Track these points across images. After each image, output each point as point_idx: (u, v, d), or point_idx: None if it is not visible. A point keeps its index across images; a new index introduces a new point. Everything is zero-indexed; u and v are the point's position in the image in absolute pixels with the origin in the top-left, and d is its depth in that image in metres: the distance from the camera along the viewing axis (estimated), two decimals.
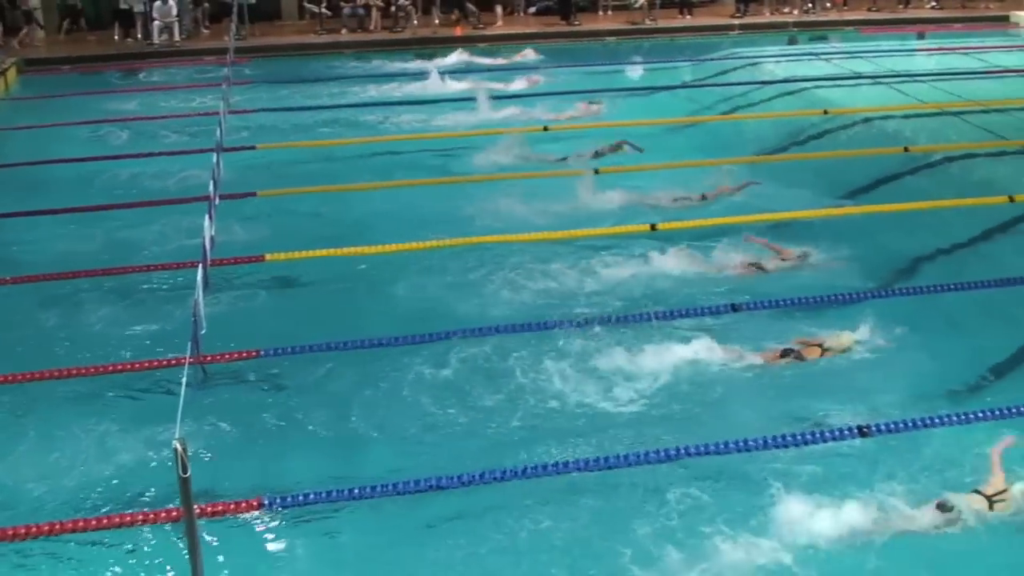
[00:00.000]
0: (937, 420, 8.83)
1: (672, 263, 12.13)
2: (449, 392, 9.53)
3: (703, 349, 9.99)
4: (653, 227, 13.26)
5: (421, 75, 22.81)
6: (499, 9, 27.64)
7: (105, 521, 7.69)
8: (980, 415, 8.87)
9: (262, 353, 10.10)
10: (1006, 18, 29.00)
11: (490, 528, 7.67)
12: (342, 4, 27.21)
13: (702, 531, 7.45)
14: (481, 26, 27.12)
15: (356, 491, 7.97)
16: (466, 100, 20.20)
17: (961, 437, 8.60)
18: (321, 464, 8.52)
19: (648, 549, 7.30)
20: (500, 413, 9.20)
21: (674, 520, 7.63)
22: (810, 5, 28.55)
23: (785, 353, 9.99)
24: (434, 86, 21.79)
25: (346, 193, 14.97)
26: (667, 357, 9.90)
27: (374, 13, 27.05)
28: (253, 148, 17.13)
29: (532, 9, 28.99)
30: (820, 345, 10.06)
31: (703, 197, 14.34)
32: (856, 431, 8.71)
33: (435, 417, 9.16)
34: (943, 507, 7.49)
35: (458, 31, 26.86)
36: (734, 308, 11.02)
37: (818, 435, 8.63)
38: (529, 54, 24.60)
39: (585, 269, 12.13)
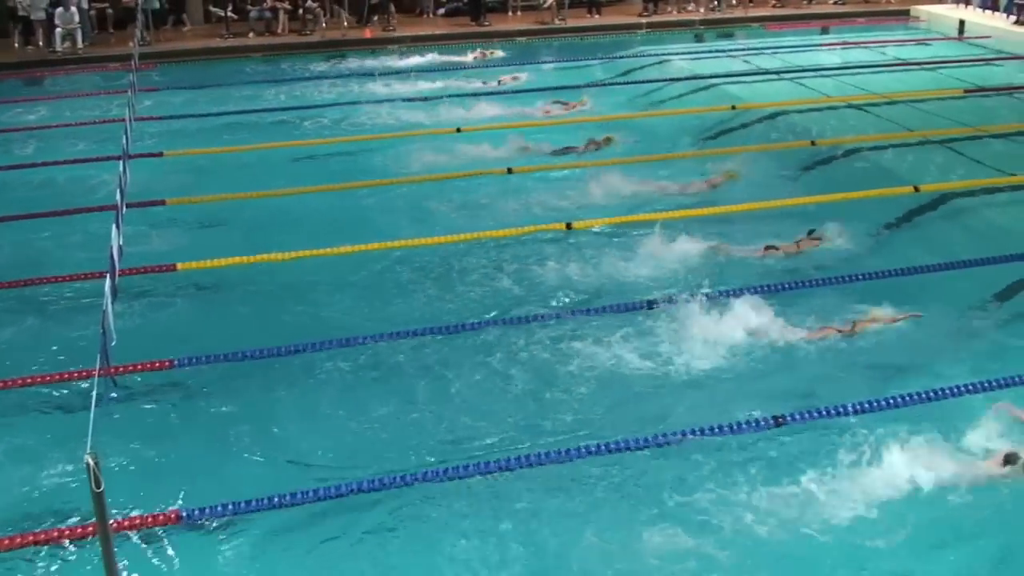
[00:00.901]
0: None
1: (584, 265, 12.29)
2: (369, 397, 9.50)
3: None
4: (568, 225, 13.34)
5: (332, 78, 22.70)
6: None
7: (18, 540, 7.50)
8: None
9: (176, 363, 9.94)
10: (907, 12, 29.64)
11: (415, 530, 7.68)
12: (248, 7, 26.90)
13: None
14: (391, 28, 27.01)
15: (276, 500, 7.88)
16: (381, 102, 20.11)
17: None
18: (239, 474, 8.42)
19: None
20: (424, 415, 9.22)
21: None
22: (715, 3, 28.92)
23: None
24: (347, 89, 21.65)
25: (258, 199, 14.74)
26: None
27: (281, 16, 26.79)
28: (161, 155, 16.84)
29: (441, 11, 28.95)
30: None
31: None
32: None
33: (355, 422, 9.12)
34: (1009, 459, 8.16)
35: (368, 33, 26.72)
36: (649, 304, 11.12)
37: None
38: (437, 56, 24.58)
39: (497, 269, 12.22)
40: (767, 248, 12.47)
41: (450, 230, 13.21)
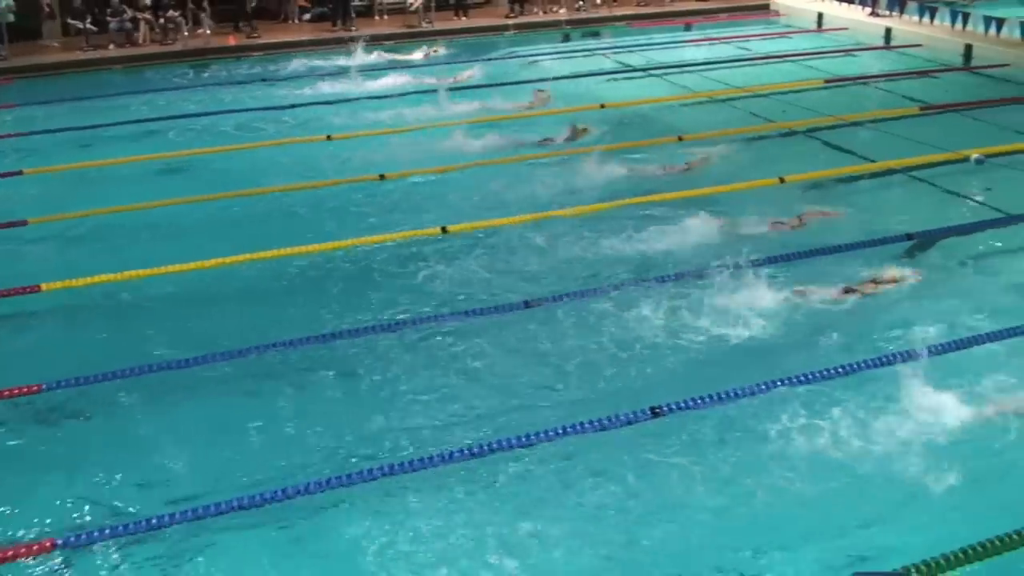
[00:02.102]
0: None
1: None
2: (245, 412, 9.36)
3: None
4: (444, 229, 13.35)
5: (195, 88, 22.29)
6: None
7: None
8: None
9: (44, 387, 9.63)
10: (767, 7, 30.36)
11: (300, 546, 7.59)
12: (108, 19, 26.21)
13: None
14: (256, 35, 26.63)
15: (153, 521, 7.70)
16: (250, 111, 19.83)
17: None
18: (114, 498, 8.20)
19: None
20: (301, 429, 9.11)
21: None
22: (580, 3, 29.20)
23: None
24: (212, 99, 21.28)
25: (125, 214, 14.36)
26: None
27: (142, 26, 26.17)
28: (20, 173, 16.33)
29: (307, 16, 28.62)
30: None
31: None
32: None
33: (230, 439, 8.96)
34: None
35: (232, 40, 26.29)
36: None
37: None
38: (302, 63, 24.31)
39: (365, 274, 12.26)
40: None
41: (321, 238, 13.07)
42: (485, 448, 8.58)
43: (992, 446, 8.67)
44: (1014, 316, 10.69)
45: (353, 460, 8.56)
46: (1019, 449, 8.66)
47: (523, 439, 8.69)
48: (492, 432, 8.90)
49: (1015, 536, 7.26)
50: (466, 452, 8.54)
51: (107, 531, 7.61)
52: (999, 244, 12.84)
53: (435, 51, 24.97)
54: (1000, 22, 22.91)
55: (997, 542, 7.20)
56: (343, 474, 8.26)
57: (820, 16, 28.38)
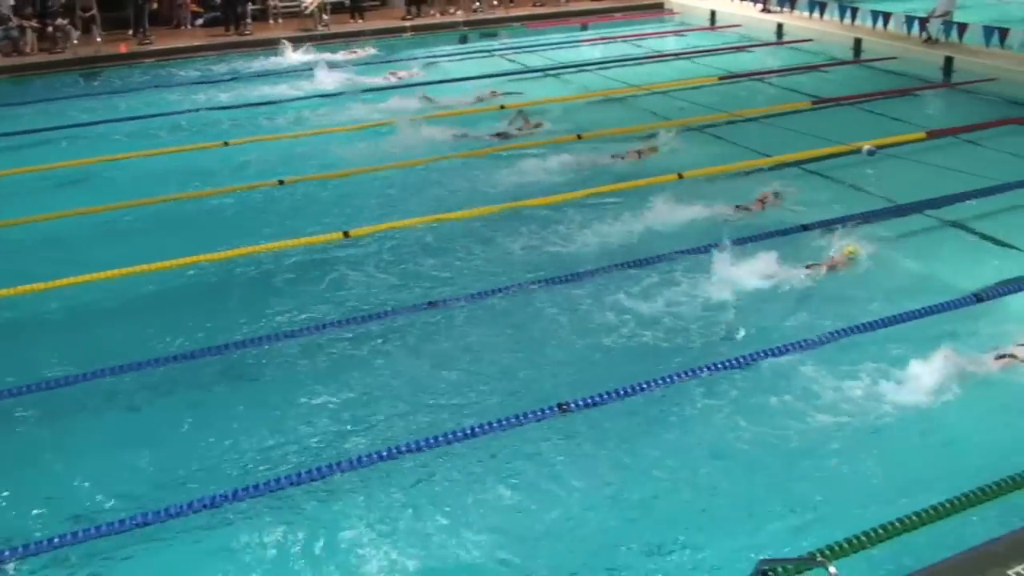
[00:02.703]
0: None
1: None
2: (141, 426, 9.20)
3: None
4: (346, 234, 13.25)
5: (87, 96, 21.79)
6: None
7: None
8: None
9: None
10: (661, 5, 30.73)
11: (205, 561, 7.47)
12: None
13: None
14: (148, 42, 26.12)
15: (55, 540, 7.51)
16: (142, 119, 19.42)
17: None
18: (5, 517, 7.99)
19: None
20: (200, 441, 8.97)
21: None
22: (477, 4, 29.22)
23: None
24: (105, 107, 20.81)
25: (13, 228, 13.85)
26: None
27: (29, 34, 25.49)
28: None
29: (200, 21, 28.18)
30: None
31: None
32: None
33: (128, 454, 8.77)
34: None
35: (123, 48, 25.77)
36: None
37: None
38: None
39: (263, 285, 12.07)
40: None
41: (219, 246, 12.82)
42: (394, 451, 8.54)
43: (889, 430, 8.91)
44: (907, 301, 11.00)
45: (260, 469, 8.46)
46: (918, 432, 8.91)
47: (432, 440, 8.68)
48: (400, 434, 8.88)
49: (917, 516, 7.45)
50: (374, 456, 8.49)
51: (5, 552, 7.40)
52: (889, 234, 13.12)
53: (355, 52, 24.82)
54: (887, 16, 23.50)
55: (898, 524, 7.38)
56: (249, 484, 8.15)
57: (713, 13, 28.82)
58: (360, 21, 28.16)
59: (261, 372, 10.11)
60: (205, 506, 7.89)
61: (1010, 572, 6.22)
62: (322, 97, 20.69)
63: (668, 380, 9.56)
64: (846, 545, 7.10)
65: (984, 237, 13.09)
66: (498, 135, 17.61)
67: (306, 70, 23.06)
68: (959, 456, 8.59)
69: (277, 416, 9.28)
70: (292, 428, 9.09)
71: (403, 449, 8.58)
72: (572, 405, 9.14)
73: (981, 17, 24.45)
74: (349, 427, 9.09)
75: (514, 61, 24.22)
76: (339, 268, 12.32)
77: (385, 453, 8.52)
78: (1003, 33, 21.03)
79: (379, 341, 10.60)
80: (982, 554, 6.78)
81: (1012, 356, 9.84)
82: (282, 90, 21.58)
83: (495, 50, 25.40)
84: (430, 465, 8.47)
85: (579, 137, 17.55)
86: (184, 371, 10.07)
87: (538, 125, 17.84)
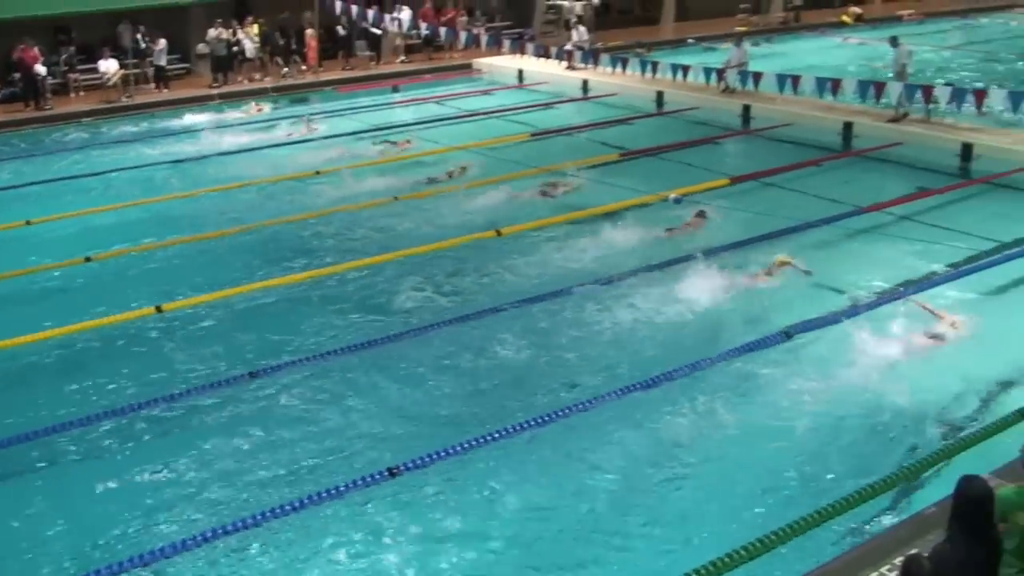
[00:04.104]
0: None
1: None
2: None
3: None
4: (158, 308, 12.90)
5: None
6: None
7: None
8: None
9: None
10: (469, 66, 31.11)
11: None
12: None
13: None
14: None
15: None
16: None
17: None
18: None
19: None
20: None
21: None
22: (286, 69, 29.01)
23: None
24: None
25: None
26: None
27: None
28: None
29: None
30: None
31: None
32: None
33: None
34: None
35: None
36: None
37: None
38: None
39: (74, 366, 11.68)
40: None
41: (23, 330, 12.29)
42: (219, 531, 8.30)
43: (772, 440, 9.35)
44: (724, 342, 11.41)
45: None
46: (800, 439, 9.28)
47: (257, 517, 8.48)
48: (223, 515, 8.66)
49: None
50: (198, 538, 8.22)
51: None
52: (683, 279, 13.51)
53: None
54: (686, 69, 24.37)
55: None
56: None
57: (520, 72, 29.37)
58: (165, 90, 27.61)
59: (72, 455, 9.77)
60: None
61: (914, 549, 6.51)
62: (121, 171, 20.06)
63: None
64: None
65: (790, 275, 13.63)
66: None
67: (109, 143, 22.47)
68: None
69: (89, 502, 8.99)
70: (103, 513, 8.80)
71: (229, 529, 8.37)
72: (402, 468, 9.08)
73: (774, 66, 25.65)
74: (168, 505, 8.84)
75: (327, 124, 24.06)
76: (152, 344, 12.06)
77: (210, 534, 8.27)
78: (795, 81, 22.08)
79: (201, 415, 10.34)
80: (888, 538, 7.52)
81: None
82: (89, 163, 20.92)
83: (304, 115, 25.17)
84: (254, 545, 8.28)
85: (395, 199, 17.57)
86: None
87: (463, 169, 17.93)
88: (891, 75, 22.40)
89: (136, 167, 20.31)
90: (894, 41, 22.38)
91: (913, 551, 6.42)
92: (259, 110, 25.86)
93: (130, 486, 9.23)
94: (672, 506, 8.82)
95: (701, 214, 15.98)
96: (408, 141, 21.80)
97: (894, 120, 21.49)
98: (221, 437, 9.97)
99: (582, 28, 30.45)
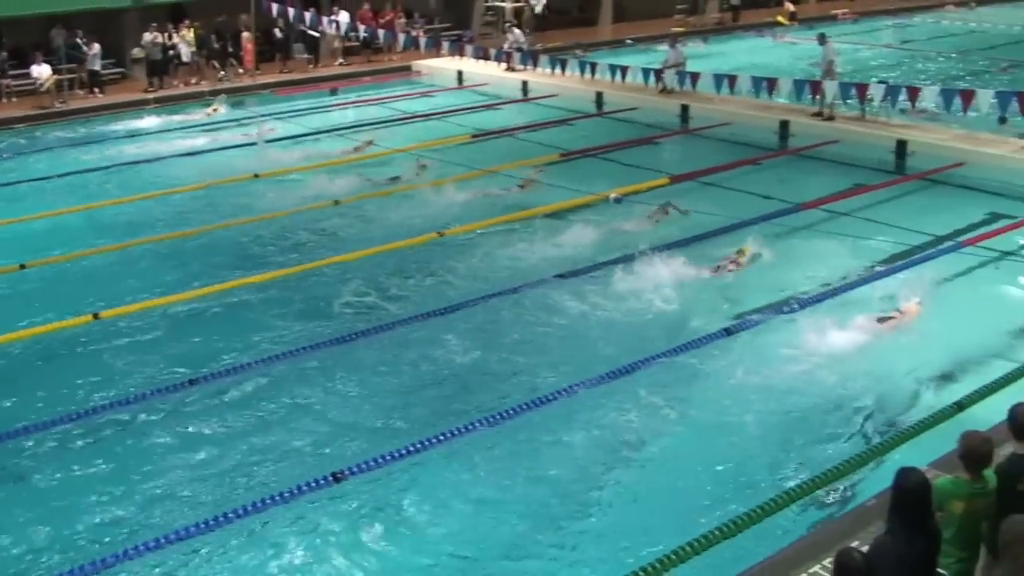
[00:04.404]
0: None
1: None
2: None
3: None
4: (96, 315, 12.73)
5: None
6: None
7: None
8: None
9: None
10: (409, 68, 30.99)
11: None
12: None
13: None
14: None
15: None
16: None
17: None
18: None
19: None
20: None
21: None
22: (222, 73, 28.73)
23: None
24: None
25: None
26: None
27: None
28: None
29: None
30: None
31: None
32: None
33: None
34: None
35: None
36: None
37: None
38: None
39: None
40: None
41: None
42: (162, 540, 8.22)
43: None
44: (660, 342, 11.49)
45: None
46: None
47: (200, 525, 8.39)
48: (164, 524, 8.57)
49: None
50: (140, 547, 8.13)
51: None
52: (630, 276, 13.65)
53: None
54: (624, 69, 24.46)
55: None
56: None
57: (460, 74, 29.33)
58: (100, 96, 27.23)
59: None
60: None
61: (855, 542, 6.57)
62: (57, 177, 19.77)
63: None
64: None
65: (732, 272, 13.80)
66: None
67: (44, 149, 22.14)
68: None
69: (28, 513, 8.81)
70: (44, 524, 8.66)
71: (171, 538, 8.29)
72: (347, 472, 9.05)
73: (711, 66, 25.87)
74: (108, 518, 8.73)
75: (268, 128, 23.82)
76: (89, 351, 11.90)
77: (153, 544, 8.19)
78: (732, 80, 22.26)
79: (142, 426, 10.22)
80: (829, 530, 7.69)
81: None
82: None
83: (243, 119, 24.95)
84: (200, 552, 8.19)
85: (336, 203, 17.50)
86: None
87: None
88: (819, 73, 22.66)
89: (72, 173, 19.94)
90: (822, 39, 22.75)
91: (854, 543, 6.50)
92: (214, 111, 25.48)
93: (67, 497, 9.09)
94: (612, 505, 8.86)
95: (665, 207, 16.31)
96: (370, 143, 21.66)
97: (818, 114, 21.87)
98: (161, 444, 9.88)
99: (517, 31, 30.46)
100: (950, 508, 6.17)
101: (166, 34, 27.74)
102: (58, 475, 9.45)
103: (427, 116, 24.75)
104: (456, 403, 10.56)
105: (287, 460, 9.55)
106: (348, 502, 8.83)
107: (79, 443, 9.97)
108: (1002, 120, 19.22)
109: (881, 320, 12.03)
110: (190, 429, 10.13)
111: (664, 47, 28.26)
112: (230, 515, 8.52)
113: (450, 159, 20.21)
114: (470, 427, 9.86)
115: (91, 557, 8.12)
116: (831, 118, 21.72)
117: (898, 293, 12.76)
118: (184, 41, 27.99)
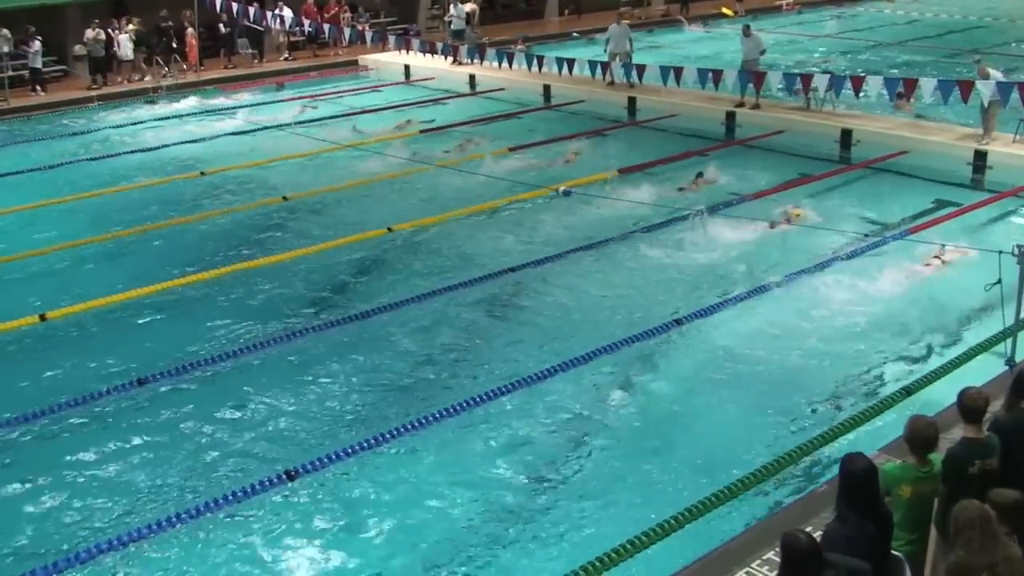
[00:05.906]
0: None
1: None
2: None
3: None
4: (42, 316, 12.56)
5: None
6: None
7: None
8: None
9: None
10: (355, 63, 30.83)
11: None
12: None
13: None
14: None
15: None
16: None
17: None
18: None
19: None
20: None
21: None
22: (166, 70, 28.42)
23: None
24: None
25: None
26: None
27: None
28: None
29: None
30: None
31: None
32: None
33: None
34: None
35: None
36: None
37: None
38: None
39: None
40: None
41: None
42: (115, 542, 8.15)
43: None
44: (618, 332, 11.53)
45: None
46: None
47: (153, 527, 8.33)
48: (115, 527, 8.50)
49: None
50: (82, 554, 8.07)
51: None
52: (592, 267, 13.74)
53: None
54: (571, 62, 24.45)
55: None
56: None
57: (407, 68, 29.21)
58: (42, 94, 26.84)
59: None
60: None
61: (808, 528, 6.64)
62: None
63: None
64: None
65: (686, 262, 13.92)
66: None
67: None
68: None
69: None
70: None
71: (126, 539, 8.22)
72: (300, 470, 9.01)
73: (657, 58, 25.97)
74: (70, 519, 8.63)
75: (208, 126, 23.60)
76: (40, 352, 11.70)
77: (106, 546, 8.12)
78: (678, 72, 22.32)
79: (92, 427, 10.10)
80: (780, 518, 7.76)
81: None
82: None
83: (189, 114, 24.71)
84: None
85: (285, 199, 17.42)
86: None
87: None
88: (742, 63, 22.76)
89: (15, 172, 19.66)
90: (747, 31, 23.00)
91: (807, 530, 6.57)
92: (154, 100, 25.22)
93: (12, 500, 8.99)
94: (568, 498, 8.90)
95: (701, 175, 17.74)
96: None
97: (741, 105, 22.26)
98: (109, 445, 9.76)
99: (460, 6, 30.36)
100: (898, 493, 6.27)
101: (108, 30, 27.38)
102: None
103: (376, 111, 24.62)
104: (410, 397, 10.56)
105: (239, 459, 9.48)
106: (301, 499, 8.79)
107: (21, 444, 9.86)
108: (899, 96, 19.83)
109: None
110: (137, 429, 10.01)
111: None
112: (183, 515, 8.45)
113: (400, 153, 20.07)
114: (424, 421, 9.83)
115: (32, 565, 7.99)
116: (756, 106, 21.97)
117: (841, 282, 12.95)
118: (127, 36, 27.61)
